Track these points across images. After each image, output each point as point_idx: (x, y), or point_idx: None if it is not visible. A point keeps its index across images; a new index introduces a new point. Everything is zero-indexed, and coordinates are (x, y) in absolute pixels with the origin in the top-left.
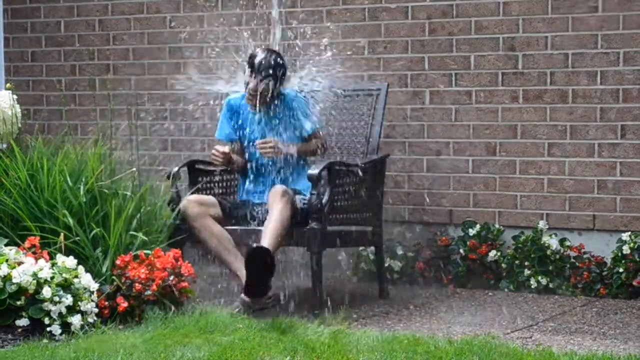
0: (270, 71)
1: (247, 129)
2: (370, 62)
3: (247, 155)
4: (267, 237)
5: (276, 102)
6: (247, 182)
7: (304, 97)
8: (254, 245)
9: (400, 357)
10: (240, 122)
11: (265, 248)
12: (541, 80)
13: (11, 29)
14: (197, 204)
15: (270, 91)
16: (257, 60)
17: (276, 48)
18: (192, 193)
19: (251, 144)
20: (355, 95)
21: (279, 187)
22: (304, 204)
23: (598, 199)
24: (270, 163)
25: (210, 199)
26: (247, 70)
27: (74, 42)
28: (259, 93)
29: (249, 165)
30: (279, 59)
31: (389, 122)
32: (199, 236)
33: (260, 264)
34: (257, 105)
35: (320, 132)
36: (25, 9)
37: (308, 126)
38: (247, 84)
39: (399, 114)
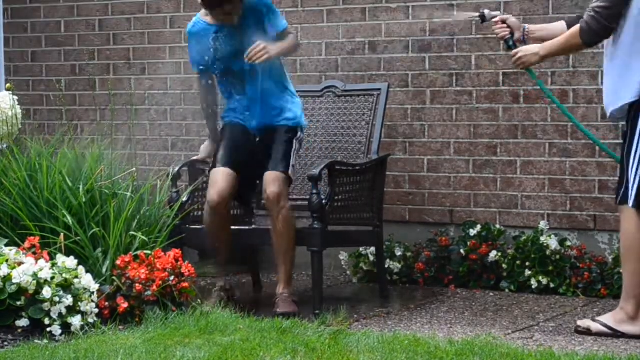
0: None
1: (215, 48)
2: (370, 62)
3: (218, 75)
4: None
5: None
6: (231, 102)
7: None
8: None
9: (401, 357)
10: (205, 44)
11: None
12: (542, 80)
13: (11, 29)
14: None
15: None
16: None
17: None
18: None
19: (220, 62)
20: (355, 95)
21: (272, 192)
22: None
23: (599, 199)
24: (243, 70)
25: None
26: (203, 10)
27: (74, 42)
28: (231, 15)
29: (221, 86)
30: None
31: (389, 122)
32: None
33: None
34: (234, 20)
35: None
36: (25, 8)
37: (281, 23)
38: (215, 19)
39: (400, 114)
